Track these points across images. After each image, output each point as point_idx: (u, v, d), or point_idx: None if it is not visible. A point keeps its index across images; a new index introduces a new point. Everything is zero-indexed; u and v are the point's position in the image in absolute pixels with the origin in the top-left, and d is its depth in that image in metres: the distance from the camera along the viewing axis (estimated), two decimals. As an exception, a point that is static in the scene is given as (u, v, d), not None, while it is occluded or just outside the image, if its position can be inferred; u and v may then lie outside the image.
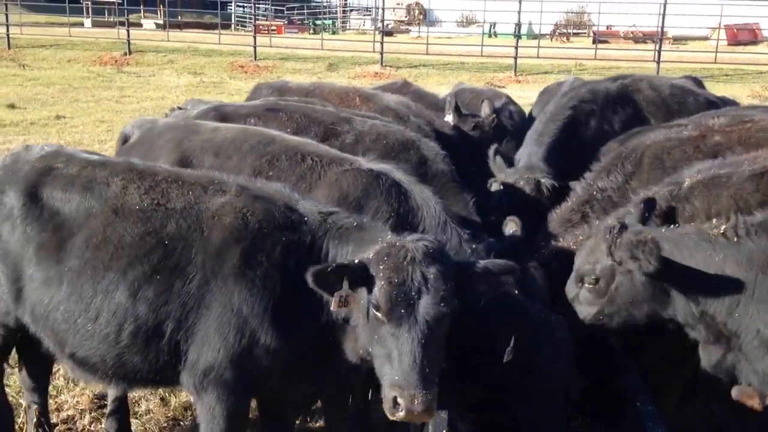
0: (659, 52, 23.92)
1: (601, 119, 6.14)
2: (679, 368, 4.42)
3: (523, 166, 5.93)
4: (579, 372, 4.53)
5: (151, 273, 3.33)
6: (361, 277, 3.04)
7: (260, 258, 3.28)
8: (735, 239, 3.33)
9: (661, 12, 23.91)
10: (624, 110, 6.25)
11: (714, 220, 3.51)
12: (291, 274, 3.24)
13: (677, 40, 31.67)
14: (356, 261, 3.09)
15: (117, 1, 37.21)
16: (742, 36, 32.74)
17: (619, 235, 3.46)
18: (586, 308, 3.70)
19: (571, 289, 3.80)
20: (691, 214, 3.89)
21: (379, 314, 2.98)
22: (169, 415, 4.95)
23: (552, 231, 4.65)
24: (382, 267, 2.99)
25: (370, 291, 3.03)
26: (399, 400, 2.88)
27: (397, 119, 6.15)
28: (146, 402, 5.06)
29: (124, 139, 5.28)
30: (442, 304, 2.97)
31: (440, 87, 18.45)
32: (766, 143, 4.35)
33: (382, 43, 25.79)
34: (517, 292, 3.74)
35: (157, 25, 36.93)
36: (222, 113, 5.58)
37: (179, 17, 39.49)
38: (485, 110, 7.52)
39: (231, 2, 44.59)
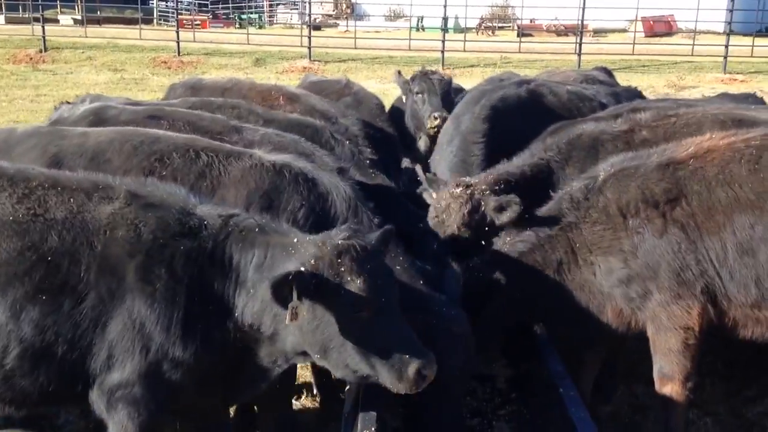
0: (580, 45, 24.55)
1: (519, 129, 6.14)
2: (596, 347, 4.58)
3: None
4: (504, 360, 4.61)
5: (34, 292, 3.10)
6: (311, 284, 3.00)
7: (158, 271, 3.13)
8: None
9: (581, 5, 24.53)
10: (536, 116, 6.32)
11: None
12: (193, 284, 3.12)
13: (597, 32, 32.61)
14: (303, 269, 3.01)
15: (31, -4, 35.59)
16: (658, 28, 34.04)
17: None
18: None
19: None
20: (604, 204, 4.07)
21: (363, 312, 3.02)
22: (90, 426, 4.76)
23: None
24: (343, 269, 3.02)
25: (321, 297, 3.01)
26: (424, 371, 3.07)
27: (324, 121, 6.05)
28: (65, 413, 4.84)
29: None
30: (396, 284, 3.24)
31: (369, 81, 18.47)
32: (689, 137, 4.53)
33: (309, 37, 25.47)
34: (422, 286, 3.77)
35: (75, 21, 35.49)
36: (101, 118, 5.24)
37: (98, 12, 38.02)
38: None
39: (153, -4, 43.32)
